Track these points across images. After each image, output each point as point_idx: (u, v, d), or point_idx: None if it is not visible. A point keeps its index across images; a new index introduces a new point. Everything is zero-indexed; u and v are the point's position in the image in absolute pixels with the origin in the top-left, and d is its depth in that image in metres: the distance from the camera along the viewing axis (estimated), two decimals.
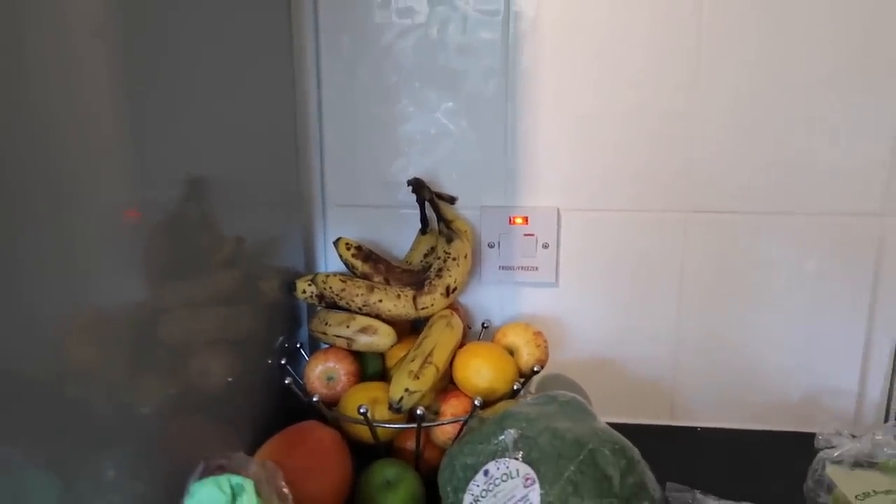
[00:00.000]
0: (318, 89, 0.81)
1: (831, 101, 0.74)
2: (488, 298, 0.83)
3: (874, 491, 0.57)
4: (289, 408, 0.72)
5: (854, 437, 0.64)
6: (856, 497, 0.57)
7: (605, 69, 0.76)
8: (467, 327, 0.79)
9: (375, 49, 0.78)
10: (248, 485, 0.45)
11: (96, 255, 0.44)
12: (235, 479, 0.45)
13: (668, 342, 0.82)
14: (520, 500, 0.53)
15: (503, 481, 0.54)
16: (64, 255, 0.41)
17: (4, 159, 0.36)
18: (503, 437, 0.57)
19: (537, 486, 0.53)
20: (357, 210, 0.83)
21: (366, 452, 0.67)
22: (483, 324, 0.83)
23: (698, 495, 0.60)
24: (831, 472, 0.60)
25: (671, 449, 0.73)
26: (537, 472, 0.53)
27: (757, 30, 0.73)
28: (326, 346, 0.76)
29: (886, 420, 0.80)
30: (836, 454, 0.61)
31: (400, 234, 0.82)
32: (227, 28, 0.62)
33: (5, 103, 0.36)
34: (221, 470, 0.46)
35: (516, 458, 0.55)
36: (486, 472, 0.56)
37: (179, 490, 0.47)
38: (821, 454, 0.62)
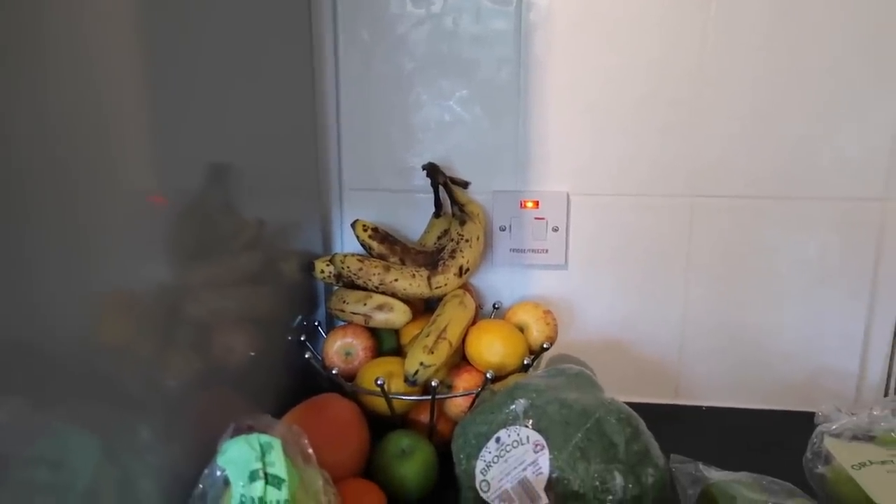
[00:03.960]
0: (336, 78, 0.83)
1: (835, 88, 0.76)
2: (499, 280, 0.86)
3: (870, 461, 0.59)
4: (308, 382, 0.75)
5: (853, 414, 0.66)
6: (852, 467, 0.59)
7: (615, 58, 0.78)
8: (479, 308, 0.82)
9: (391, 38, 0.81)
10: (276, 443, 0.48)
11: (131, 240, 0.46)
12: (264, 438, 0.48)
13: (675, 324, 0.84)
14: (530, 465, 0.56)
15: (514, 448, 0.57)
16: (101, 241, 0.43)
17: (52, 153, 0.38)
18: (514, 406, 0.59)
19: (547, 451, 0.56)
20: (372, 194, 0.86)
21: (382, 425, 0.70)
22: (494, 304, 0.85)
23: (701, 466, 0.63)
24: (829, 444, 0.62)
25: (675, 426, 0.75)
26: (546, 438, 0.56)
27: (763, 19, 0.75)
28: (343, 323, 0.79)
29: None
30: (833, 427, 0.63)
31: (414, 218, 0.85)
32: (248, 18, 0.64)
33: (42, 97, 0.38)
34: (250, 430, 0.49)
35: (526, 426, 0.58)
36: (497, 440, 0.59)
37: (208, 455, 0.50)
38: (819, 428, 0.64)
